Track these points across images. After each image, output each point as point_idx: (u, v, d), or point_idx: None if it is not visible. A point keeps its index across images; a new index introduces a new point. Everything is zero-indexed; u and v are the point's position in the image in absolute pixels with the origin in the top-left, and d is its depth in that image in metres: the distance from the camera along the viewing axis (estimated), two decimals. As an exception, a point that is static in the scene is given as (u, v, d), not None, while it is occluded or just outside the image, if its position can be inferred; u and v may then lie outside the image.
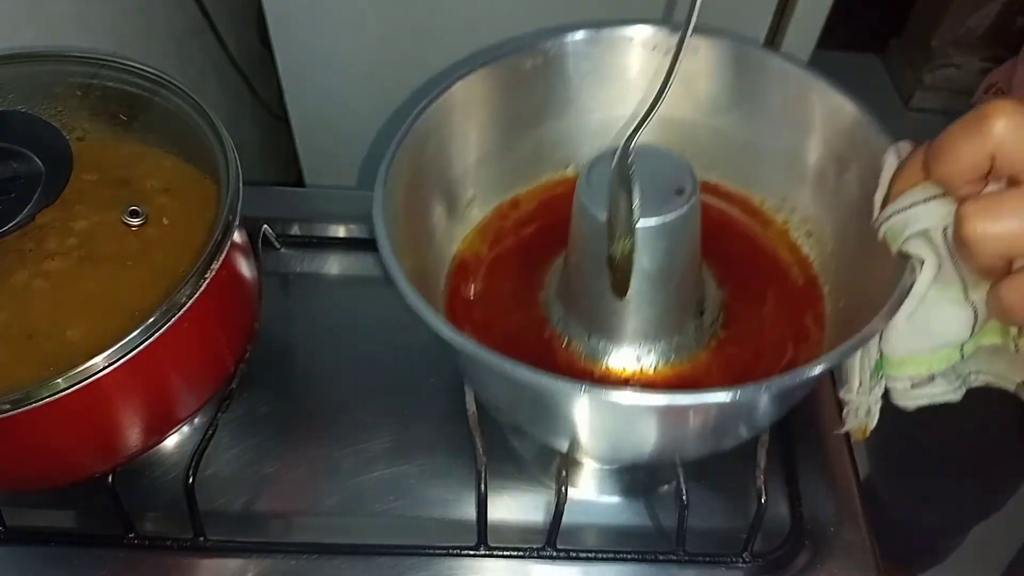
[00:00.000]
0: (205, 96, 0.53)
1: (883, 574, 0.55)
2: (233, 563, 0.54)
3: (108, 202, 0.51)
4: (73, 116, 0.55)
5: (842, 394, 0.45)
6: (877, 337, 0.42)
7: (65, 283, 0.48)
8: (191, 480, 0.52)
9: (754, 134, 0.59)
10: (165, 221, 0.51)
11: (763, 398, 0.44)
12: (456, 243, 0.62)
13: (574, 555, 0.54)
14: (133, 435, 0.50)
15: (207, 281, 0.46)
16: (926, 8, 2.00)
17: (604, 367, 0.54)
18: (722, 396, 0.39)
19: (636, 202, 0.45)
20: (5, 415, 0.41)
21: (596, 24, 0.58)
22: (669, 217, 0.47)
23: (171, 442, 0.59)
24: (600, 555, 0.54)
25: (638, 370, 0.53)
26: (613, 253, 0.47)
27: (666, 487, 0.58)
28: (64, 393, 0.42)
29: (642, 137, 0.59)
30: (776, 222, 0.60)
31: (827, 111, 0.54)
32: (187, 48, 0.99)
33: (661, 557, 0.54)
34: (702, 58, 0.58)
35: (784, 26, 0.89)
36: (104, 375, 0.43)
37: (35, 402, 0.42)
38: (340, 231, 0.71)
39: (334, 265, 0.70)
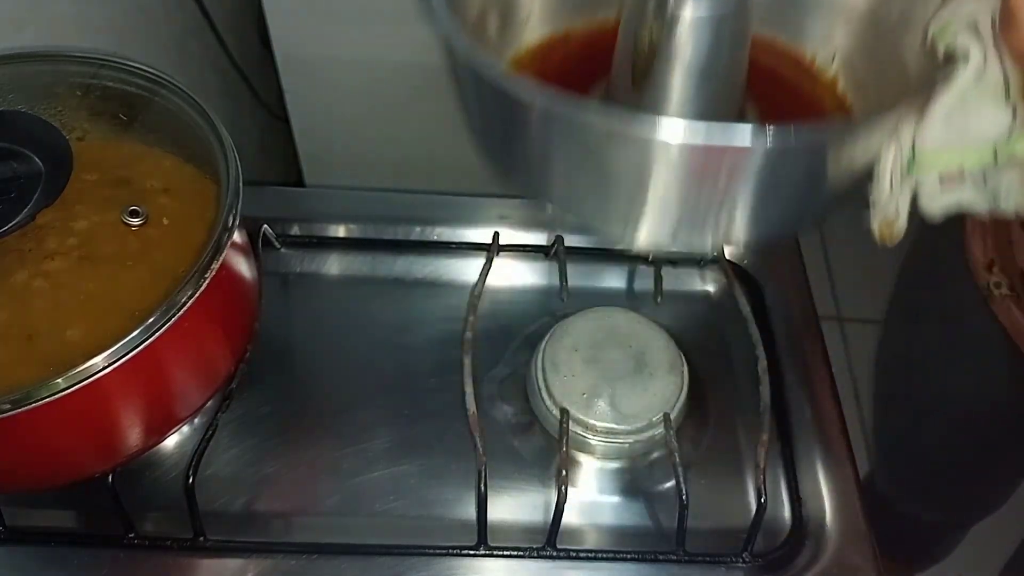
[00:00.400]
0: (205, 96, 0.53)
1: (883, 573, 0.55)
2: (233, 563, 0.54)
3: (108, 202, 0.51)
4: (73, 116, 0.55)
5: (872, 193, 0.44)
6: (911, 132, 0.40)
7: (65, 283, 0.48)
8: (191, 480, 0.52)
9: None
10: (165, 221, 0.51)
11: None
12: (506, 52, 0.59)
13: (574, 555, 0.54)
14: (133, 435, 0.50)
15: (207, 281, 0.46)
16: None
17: None
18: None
19: None
20: (5, 415, 0.41)
21: None
22: (720, 7, 0.43)
23: (171, 442, 0.59)
24: (600, 555, 0.54)
25: None
26: (641, 36, 0.44)
27: (666, 486, 0.58)
28: (64, 393, 0.42)
29: None
30: (824, 77, 0.59)
31: None
32: (187, 48, 0.99)
33: (661, 557, 0.54)
34: None
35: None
36: (104, 375, 0.43)
37: (35, 402, 0.42)
38: (340, 231, 0.71)
39: (334, 265, 0.70)
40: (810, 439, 0.60)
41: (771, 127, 0.38)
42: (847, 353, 1.49)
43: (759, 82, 0.51)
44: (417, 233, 0.70)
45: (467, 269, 0.69)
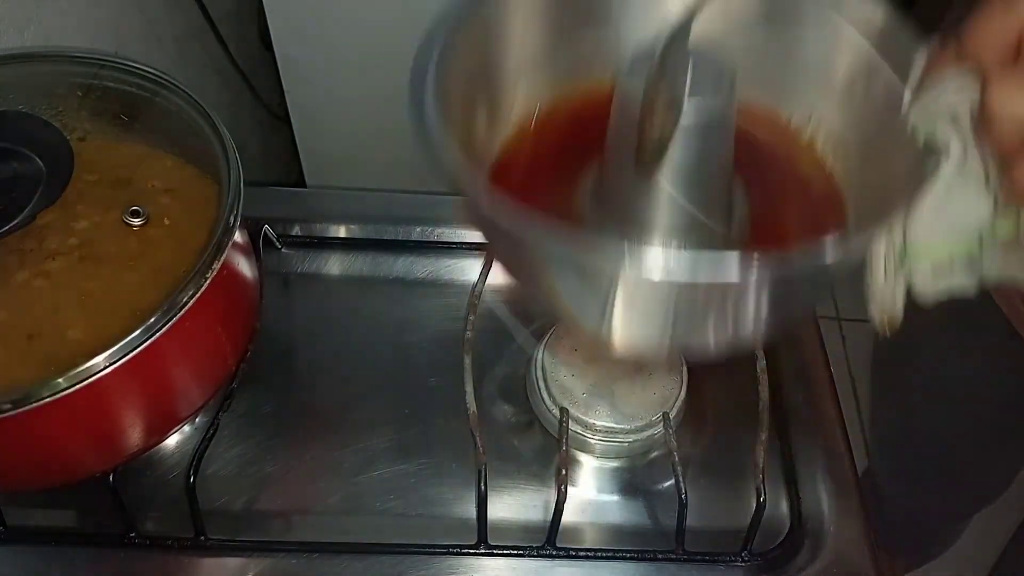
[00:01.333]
0: (206, 96, 0.53)
1: (882, 571, 0.55)
2: (234, 562, 0.54)
3: (109, 202, 0.51)
4: (74, 116, 0.55)
5: (868, 283, 0.45)
6: (901, 225, 0.42)
7: (66, 283, 0.48)
8: (192, 479, 0.52)
9: (784, 47, 0.57)
10: (166, 221, 0.52)
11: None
12: (496, 141, 0.60)
13: (574, 554, 0.54)
14: (134, 434, 0.50)
15: (208, 281, 0.46)
16: (927, 7, 2.00)
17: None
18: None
19: (689, 77, 0.44)
20: (6, 415, 0.41)
21: None
22: (716, 109, 0.45)
23: (172, 441, 0.60)
24: (600, 554, 0.55)
25: None
26: (648, 131, 0.46)
27: (665, 485, 0.59)
28: (65, 393, 0.42)
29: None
30: (802, 139, 0.60)
31: (859, 19, 0.52)
32: (188, 48, 1.00)
33: (660, 556, 0.54)
34: None
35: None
36: (105, 375, 0.43)
37: (36, 402, 0.42)
38: (341, 231, 0.71)
39: (335, 265, 0.70)
40: (809, 438, 0.60)
41: (758, 258, 0.39)
42: (846, 352, 1.49)
43: (737, 148, 0.51)
44: (417, 233, 0.70)
45: (467, 269, 0.69)
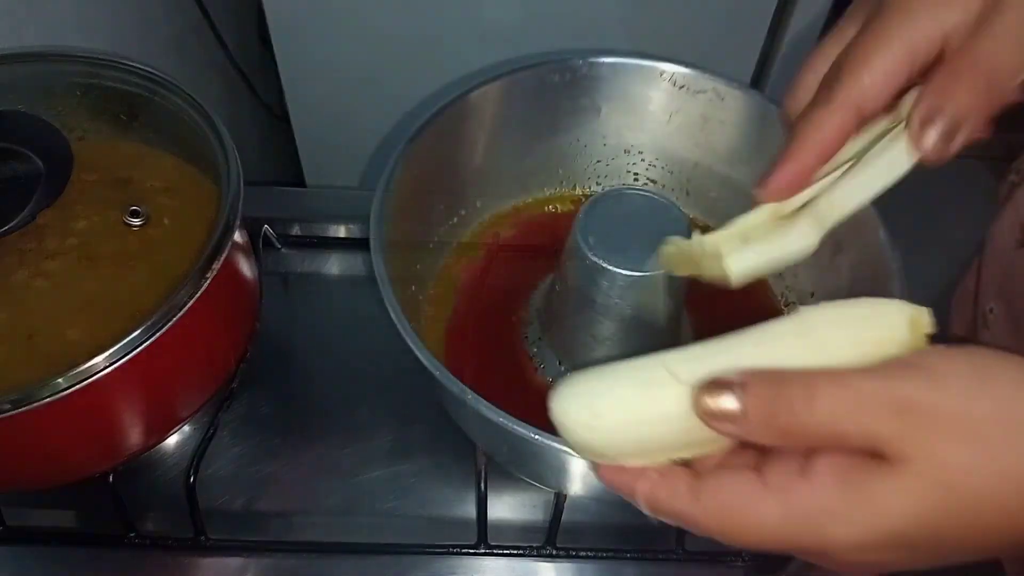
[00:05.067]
0: (205, 96, 0.53)
1: (881, 573, 0.55)
2: (234, 562, 0.54)
3: (108, 202, 0.51)
4: (73, 116, 0.55)
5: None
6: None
7: (65, 283, 0.48)
8: (192, 479, 0.52)
9: None
10: (166, 221, 0.52)
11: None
12: (451, 246, 0.63)
13: (574, 553, 0.54)
14: (134, 435, 0.50)
15: (208, 281, 0.46)
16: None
17: None
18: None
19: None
20: (5, 415, 0.41)
21: (630, 53, 0.60)
22: (655, 272, 0.48)
23: (172, 441, 0.60)
24: (600, 553, 0.54)
25: None
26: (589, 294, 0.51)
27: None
28: (64, 393, 0.42)
29: (651, 172, 0.61)
30: (764, 280, 0.62)
31: None
32: (187, 48, 0.99)
33: (660, 555, 0.54)
34: (727, 107, 0.59)
35: (784, 26, 0.90)
36: (105, 375, 0.43)
37: (35, 402, 0.42)
38: (340, 231, 0.71)
39: (334, 265, 0.70)
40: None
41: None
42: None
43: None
44: (417, 233, 0.70)
45: (467, 269, 0.69)
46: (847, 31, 0.37)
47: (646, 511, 0.31)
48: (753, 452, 0.30)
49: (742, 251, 0.36)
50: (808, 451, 0.28)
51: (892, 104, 0.36)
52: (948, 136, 0.33)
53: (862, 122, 0.36)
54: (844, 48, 0.36)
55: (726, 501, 0.29)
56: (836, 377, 0.27)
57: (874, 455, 0.27)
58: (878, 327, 0.29)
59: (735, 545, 0.29)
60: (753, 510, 0.28)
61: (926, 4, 0.35)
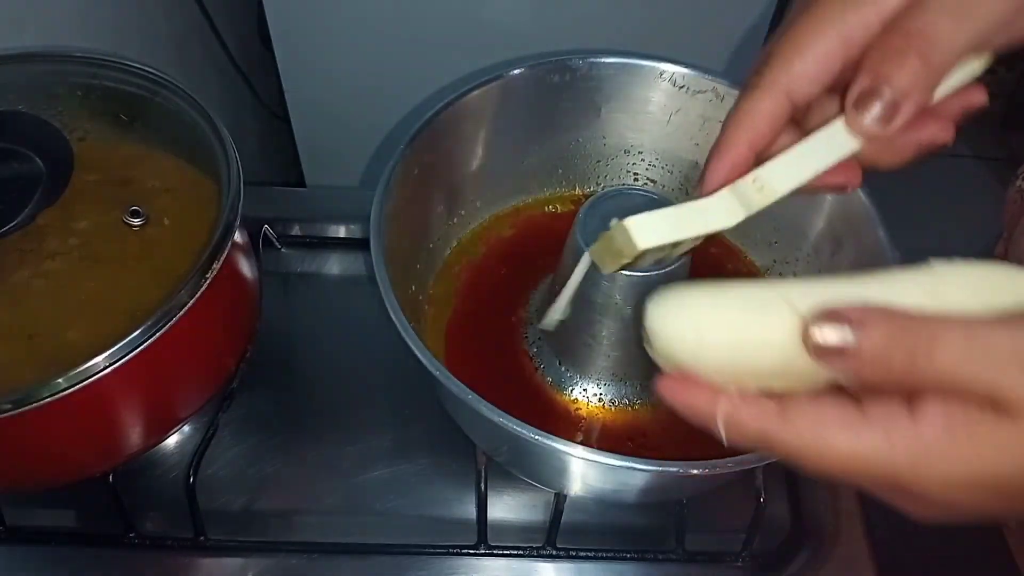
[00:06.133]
0: (205, 96, 0.53)
1: (881, 573, 0.55)
2: (233, 562, 0.54)
3: (109, 202, 0.51)
4: (74, 116, 0.55)
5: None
6: None
7: (66, 283, 0.48)
8: (192, 479, 0.52)
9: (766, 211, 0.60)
10: (166, 221, 0.51)
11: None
12: (451, 245, 0.63)
13: (574, 554, 0.54)
14: (134, 435, 0.50)
15: (208, 281, 0.46)
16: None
17: (570, 397, 0.55)
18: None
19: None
20: (6, 415, 0.41)
21: (630, 53, 0.60)
22: (655, 272, 0.48)
23: (172, 441, 0.60)
24: (600, 554, 0.54)
25: (600, 407, 0.56)
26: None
27: (666, 486, 0.59)
28: (65, 393, 0.42)
29: (651, 172, 0.61)
30: (757, 272, 0.63)
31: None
32: (187, 48, 0.99)
33: (660, 556, 0.54)
34: (727, 107, 0.58)
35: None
36: (105, 375, 0.43)
37: (36, 402, 0.42)
38: (341, 231, 0.71)
39: (335, 265, 0.70)
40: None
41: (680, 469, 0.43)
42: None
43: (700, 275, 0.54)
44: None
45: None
46: (783, 28, 0.36)
47: (721, 433, 0.29)
48: (848, 398, 0.29)
49: (650, 215, 0.35)
50: (914, 395, 0.27)
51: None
52: (887, 115, 0.32)
53: (795, 109, 0.35)
54: (776, 34, 0.35)
55: (820, 424, 0.27)
56: (963, 326, 0.26)
57: (991, 404, 0.26)
58: (1010, 294, 0.28)
59: (816, 473, 0.28)
60: (849, 436, 0.27)
61: None
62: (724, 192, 0.36)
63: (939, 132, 0.35)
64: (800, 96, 0.34)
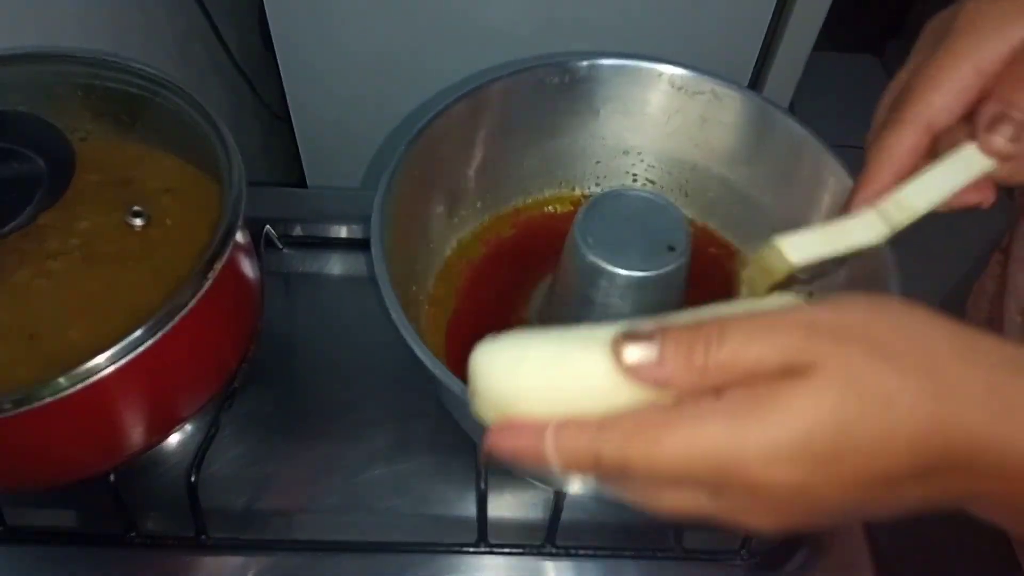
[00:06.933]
0: (207, 97, 0.54)
1: (880, 570, 0.55)
2: (235, 561, 0.54)
3: (111, 203, 0.51)
4: (75, 117, 0.55)
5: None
6: None
7: (67, 283, 0.48)
8: (193, 478, 0.52)
9: (760, 193, 0.61)
10: (168, 222, 0.52)
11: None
12: (451, 246, 0.63)
13: (574, 552, 0.54)
14: (135, 434, 0.51)
15: (210, 281, 0.46)
16: (925, 10, 2.00)
17: None
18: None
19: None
20: (7, 414, 0.41)
21: (629, 55, 0.60)
22: (654, 272, 0.48)
23: (173, 440, 0.60)
24: (599, 552, 0.55)
25: None
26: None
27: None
28: (66, 393, 0.42)
29: (650, 173, 0.61)
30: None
31: (837, 191, 0.55)
32: (189, 49, 1.00)
33: (660, 554, 0.54)
34: (726, 108, 0.59)
35: (782, 27, 0.90)
36: (106, 375, 0.43)
37: (37, 402, 0.42)
38: (342, 231, 0.71)
39: (336, 265, 0.70)
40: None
41: None
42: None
43: (698, 273, 0.54)
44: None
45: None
46: (917, 61, 0.39)
47: (553, 462, 0.29)
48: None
49: (799, 234, 0.37)
50: (721, 388, 0.28)
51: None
52: (1017, 135, 0.35)
53: (934, 139, 0.38)
54: (912, 71, 0.38)
55: (640, 426, 0.28)
56: (747, 314, 0.28)
57: (787, 373, 0.27)
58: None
59: (646, 481, 0.29)
60: (666, 430, 0.28)
61: (994, 23, 0.36)
62: (867, 211, 0.38)
63: None
64: (939, 127, 0.37)
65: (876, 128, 0.40)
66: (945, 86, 0.37)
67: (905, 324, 0.28)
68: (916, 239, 0.51)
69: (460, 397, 0.43)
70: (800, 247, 0.37)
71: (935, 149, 0.39)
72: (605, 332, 0.30)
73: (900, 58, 0.41)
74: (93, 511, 0.56)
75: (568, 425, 0.29)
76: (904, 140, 0.38)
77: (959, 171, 0.37)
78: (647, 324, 0.29)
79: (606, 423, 0.29)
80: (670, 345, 0.28)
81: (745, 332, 0.28)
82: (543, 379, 0.30)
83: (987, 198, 0.39)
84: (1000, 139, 0.35)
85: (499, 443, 0.30)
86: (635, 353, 0.28)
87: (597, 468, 0.29)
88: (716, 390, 0.28)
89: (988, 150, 0.36)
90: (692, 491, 0.29)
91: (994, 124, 0.36)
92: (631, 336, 0.29)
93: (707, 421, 0.27)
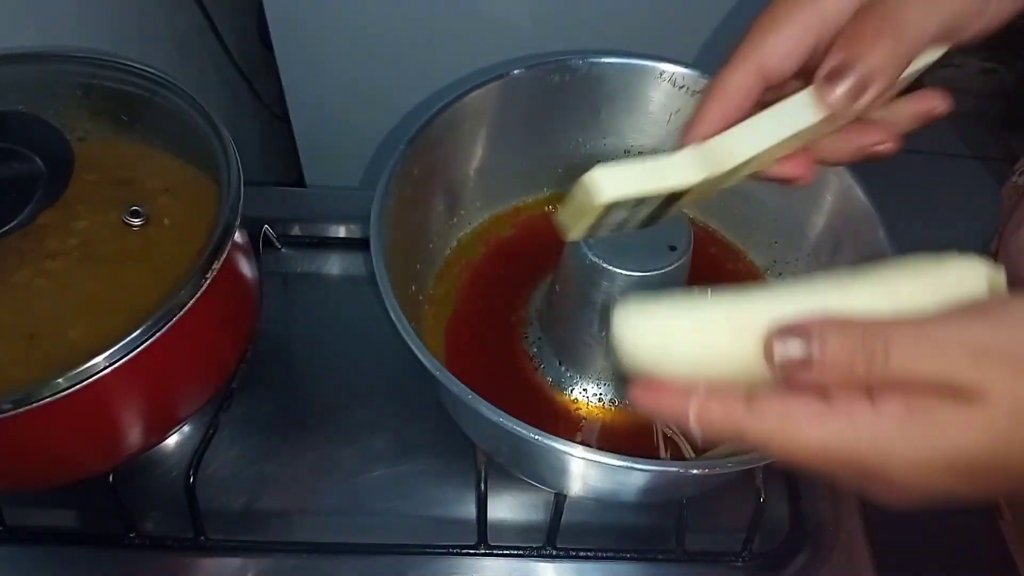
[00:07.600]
0: (206, 96, 0.53)
1: (881, 573, 0.55)
2: (233, 562, 0.54)
3: (109, 202, 0.51)
4: (74, 116, 0.55)
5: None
6: None
7: (66, 283, 0.48)
8: (192, 479, 0.52)
9: (765, 194, 0.61)
10: (166, 221, 0.52)
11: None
12: (451, 245, 0.63)
13: (574, 554, 0.54)
14: (134, 435, 0.50)
15: (208, 281, 0.46)
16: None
17: (570, 397, 0.56)
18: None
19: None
20: (6, 415, 0.41)
21: (630, 53, 0.60)
22: (655, 272, 0.48)
23: (172, 441, 0.60)
24: (600, 554, 0.54)
25: (600, 407, 0.56)
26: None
27: (666, 486, 0.59)
28: (65, 393, 0.42)
29: None
30: (756, 271, 0.63)
31: (840, 192, 0.55)
32: (188, 48, 1.00)
33: (661, 556, 0.54)
34: None
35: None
36: (105, 375, 0.43)
37: (36, 402, 0.42)
38: (341, 231, 0.71)
39: (335, 265, 0.70)
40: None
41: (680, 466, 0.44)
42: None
43: (699, 274, 0.54)
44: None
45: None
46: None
47: (694, 427, 0.30)
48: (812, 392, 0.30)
49: (613, 166, 0.35)
50: (875, 390, 0.28)
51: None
52: (855, 92, 0.33)
53: (767, 85, 0.36)
54: (757, 14, 0.37)
55: (787, 415, 0.29)
56: (913, 327, 0.28)
57: (948, 392, 0.27)
58: (957, 286, 0.30)
59: (785, 460, 0.29)
60: (815, 425, 0.28)
61: None
62: (687, 151, 0.36)
63: (885, 140, 0.36)
64: (772, 72, 0.35)
65: None
66: (782, 29, 0.35)
67: None
68: (908, 242, 0.51)
69: (459, 397, 0.43)
70: (613, 183, 0.35)
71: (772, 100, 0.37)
72: (759, 308, 0.30)
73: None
74: (92, 512, 0.56)
75: (714, 395, 0.30)
76: (733, 79, 0.35)
77: (785, 120, 0.35)
78: (809, 320, 0.29)
79: (753, 404, 0.29)
80: (831, 349, 0.28)
81: (911, 352, 0.28)
82: (688, 351, 0.31)
83: (805, 174, 0.38)
84: (838, 91, 0.33)
85: (643, 399, 0.31)
86: (792, 349, 0.29)
87: (737, 441, 0.30)
88: (868, 389, 0.28)
89: (824, 101, 0.34)
90: (826, 470, 0.29)
91: (834, 75, 0.33)
92: (790, 330, 0.29)
93: (860, 429, 0.28)
